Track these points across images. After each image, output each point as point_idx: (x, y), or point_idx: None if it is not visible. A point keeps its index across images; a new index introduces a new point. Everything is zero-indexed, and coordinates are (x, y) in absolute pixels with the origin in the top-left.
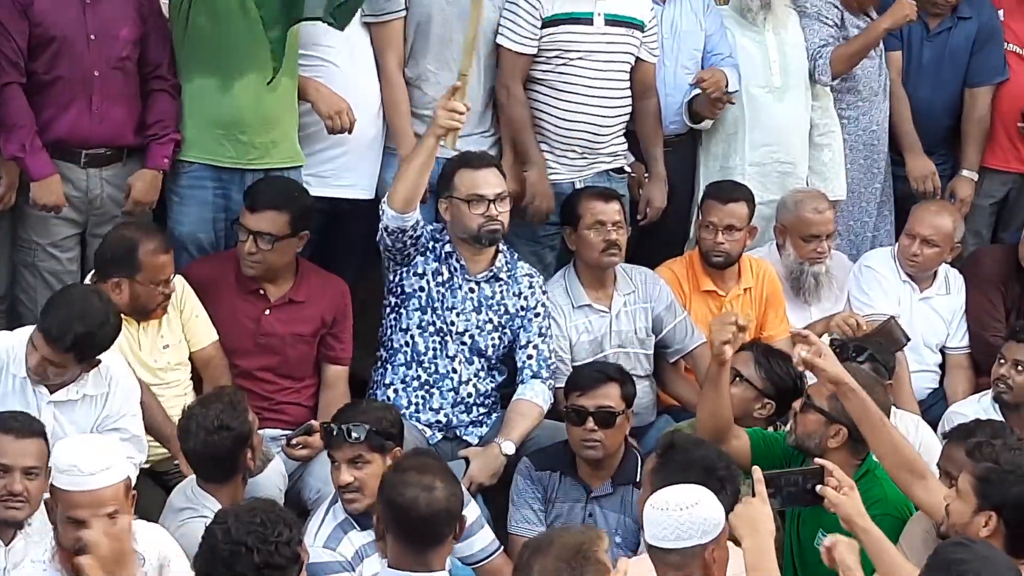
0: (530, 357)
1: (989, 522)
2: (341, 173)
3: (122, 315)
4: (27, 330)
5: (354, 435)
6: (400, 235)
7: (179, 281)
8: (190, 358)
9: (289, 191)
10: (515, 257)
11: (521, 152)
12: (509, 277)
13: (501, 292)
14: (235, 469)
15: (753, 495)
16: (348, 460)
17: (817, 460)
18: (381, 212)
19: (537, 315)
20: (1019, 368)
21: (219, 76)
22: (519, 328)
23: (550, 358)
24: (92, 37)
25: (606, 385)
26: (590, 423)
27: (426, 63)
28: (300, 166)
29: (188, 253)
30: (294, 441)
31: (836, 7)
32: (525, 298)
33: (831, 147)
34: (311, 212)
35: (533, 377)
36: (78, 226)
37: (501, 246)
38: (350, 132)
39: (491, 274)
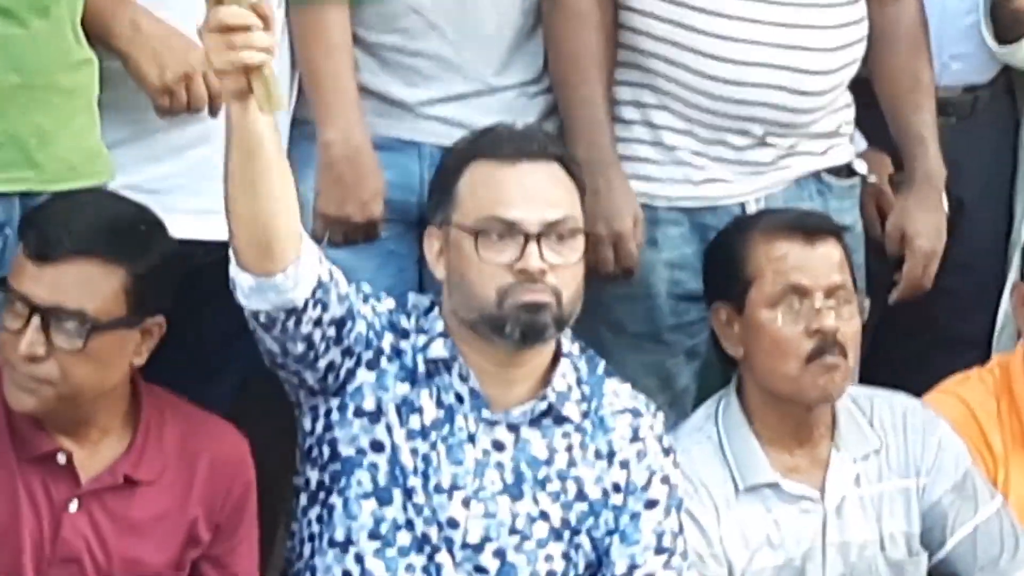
0: None
1: None
2: (197, 186)
3: None
4: None
5: None
6: (287, 323)
7: None
8: None
9: (125, 215)
10: (600, 371)
11: (568, 129)
12: (587, 416)
13: (568, 449)
14: None
15: None
16: None
17: None
18: (232, 286)
19: (652, 504)
20: None
21: None
22: (609, 535)
23: None
24: None
25: None
26: None
27: None
28: (103, 184)
29: None
30: None
31: None
32: (624, 464)
33: None
34: (175, 267)
35: None
36: None
37: (567, 344)
38: (213, 114)
39: (541, 409)
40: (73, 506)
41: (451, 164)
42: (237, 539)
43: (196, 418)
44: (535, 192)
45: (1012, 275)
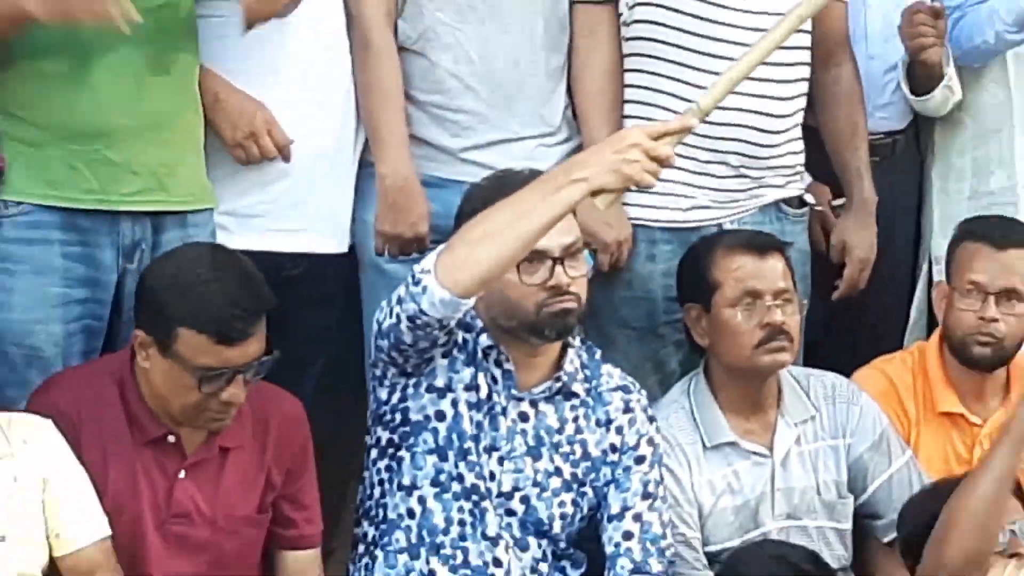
0: (628, 537)
1: None
2: (283, 211)
3: None
4: None
5: None
6: (435, 329)
7: (36, 423)
8: (52, 566)
9: (249, 271)
10: (597, 357)
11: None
12: (591, 394)
13: (575, 419)
14: None
15: None
16: None
17: None
18: (416, 290)
19: (640, 460)
20: None
21: (69, 57)
22: (607, 485)
23: (664, 538)
24: None
25: None
26: None
27: (435, 10)
28: (210, 209)
29: (9, 363)
30: None
31: None
32: (618, 430)
33: None
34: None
35: (635, 572)
36: None
37: (574, 339)
38: (286, 159)
39: (556, 387)
40: (182, 474)
41: (477, 208)
42: (304, 480)
43: (262, 390)
44: (563, 229)
45: (922, 280)
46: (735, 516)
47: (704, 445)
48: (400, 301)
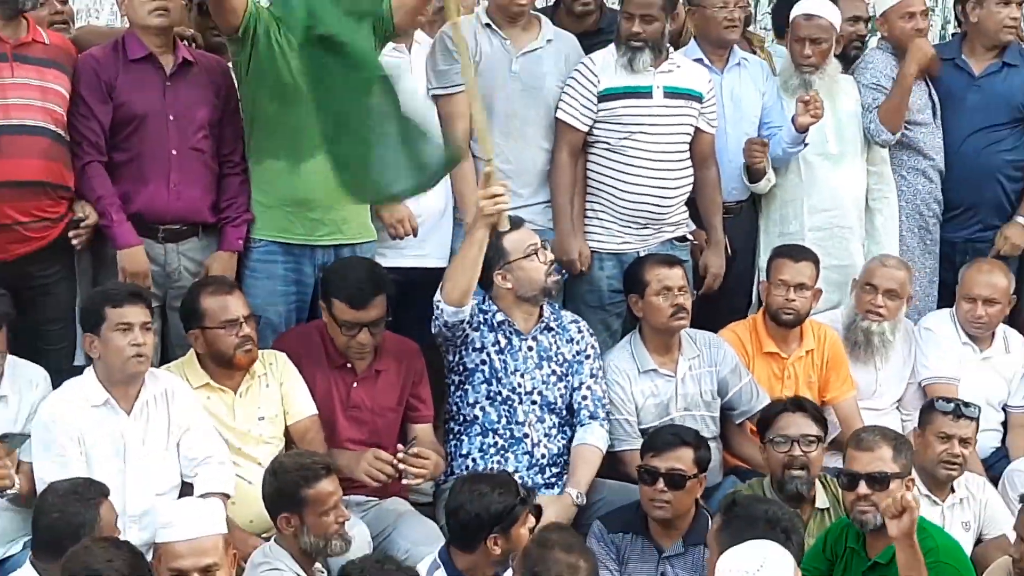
0: (585, 399)
1: None
2: (414, 245)
3: (215, 382)
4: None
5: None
6: (459, 325)
7: (279, 355)
8: (286, 432)
9: (376, 271)
10: (559, 308)
11: (554, 215)
12: (559, 326)
13: (556, 341)
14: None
15: None
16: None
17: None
18: (437, 311)
19: (588, 357)
20: None
21: (287, 162)
22: (574, 374)
23: (604, 398)
24: (171, 117)
25: (680, 448)
26: (660, 484)
27: (492, 136)
28: (373, 241)
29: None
30: (400, 456)
31: (895, 79)
32: (576, 343)
33: (883, 212)
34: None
35: (591, 418)
36: (156, 299)
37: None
38: (415, 235)
39: (543, 326)
40: (355, 385)
41: (497, 240)
42: (422, 385)
43: (396, 339)
44: (532, 234)
45: (756, 284)
46: (655, 409)
47: (638, 370)
48: (436, 319)
